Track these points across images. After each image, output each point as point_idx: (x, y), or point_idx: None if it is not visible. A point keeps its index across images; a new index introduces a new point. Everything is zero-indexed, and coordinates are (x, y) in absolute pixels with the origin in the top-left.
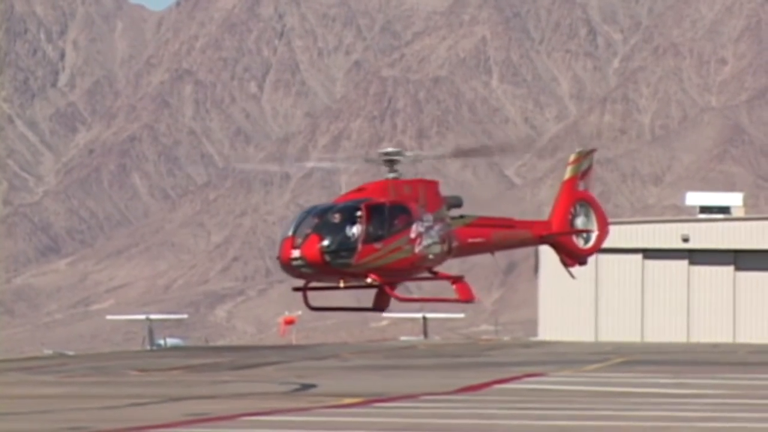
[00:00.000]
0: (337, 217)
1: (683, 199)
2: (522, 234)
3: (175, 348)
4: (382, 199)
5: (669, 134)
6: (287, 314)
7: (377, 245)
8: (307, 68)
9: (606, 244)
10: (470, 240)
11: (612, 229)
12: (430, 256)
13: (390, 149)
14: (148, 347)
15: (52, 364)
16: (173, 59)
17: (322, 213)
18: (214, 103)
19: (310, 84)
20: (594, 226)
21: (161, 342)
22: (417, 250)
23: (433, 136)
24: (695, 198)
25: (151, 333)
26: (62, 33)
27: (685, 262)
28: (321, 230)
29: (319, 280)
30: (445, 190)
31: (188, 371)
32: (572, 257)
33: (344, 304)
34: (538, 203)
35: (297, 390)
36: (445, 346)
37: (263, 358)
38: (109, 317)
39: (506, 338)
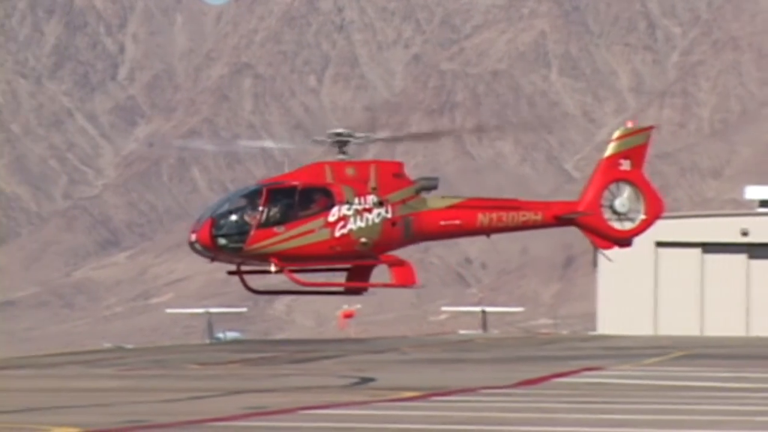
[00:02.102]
0: (236, 202)
1: (742, 192)
2: (528, 216)
3: (234, 341)
4: (294, 182)
5: (728, 128)
6: (346, 308)
7: (277, 229)
8: (367, 62)
9: (665, 238)
10: (443, 223)
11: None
12: (363, 240)
13: (340, 130)
14: (208, 341)
15: (112, 358)
16: (233, 53)
17: (229, 197)
18: (273, 97)
19: (369, 77)
20: (640, 208)
21: (220, 335)
22: (338, 233)
23: (492, 130)
24: (755, 192)
25: (210, 326)
26: (122, 26)
27: (744, 256)
28: (217, 215)
29: (227, 262)
30: (503, 183)
31: (247, 365)
32: (607, 239)
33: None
34: None
35: (356, 384)
36: (503, 339)
37: (322, 352)
38: (168, 311)
39: (565, 332)
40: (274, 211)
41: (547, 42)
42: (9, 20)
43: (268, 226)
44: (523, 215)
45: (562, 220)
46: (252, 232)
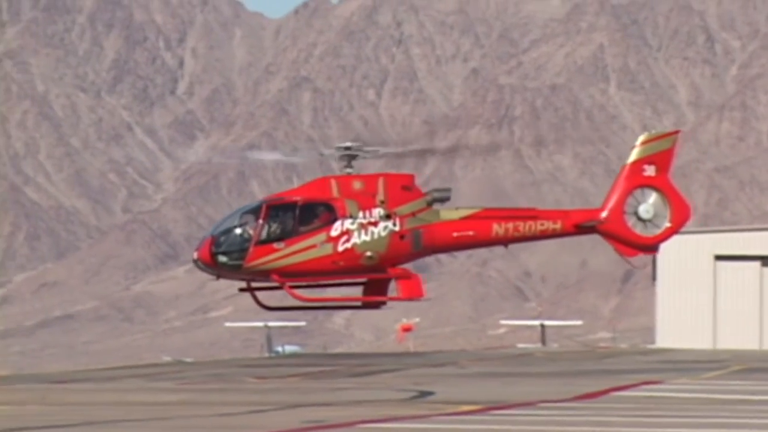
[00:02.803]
0: (237, 219)
1: None
2: (547, 225)
3: (293, 355)
4: (295, 197)
5: None
6: (405, 321)
7: (277, 245)
8: (425, 76)
9: (724, 251)
10: (456, 234)
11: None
12: (368, 254)
13: (347, 143)
14: (267, 354)
15: (171, 371)
16: (291, 67)
17: (230, 215)
18: (332, 111)
19: (427, 91)
20: (666, 214)
21: (279, 349)
22: (342, 248)
23: (550, 144)
24: None
25: (269, 340)
26: (181, 41)
27: None
28: (217, 232)
29: (232, 279)
30: (562, 197)
31: (306, 378)
32: (631, 246)
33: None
34: None
35: (415, 397)
36: (562, 353)
37: (381, 366)
38: (227, 324)
39: (624, 345)
40: (274, 227)
41: (606, 56)
42: (69, 34)
43: (267, 242)
44: (542, 224)
45: (582, 228)
46: (251, 249)
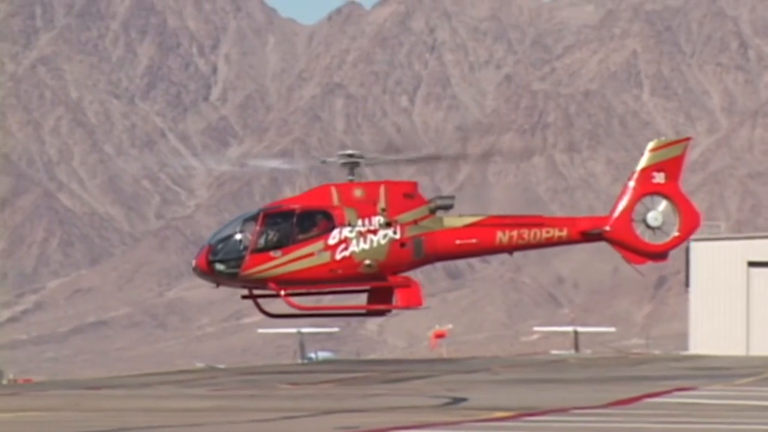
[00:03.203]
0: (234, 228)
1: None
2: (553, 232)
3: (326, 361)
4: (293, 206)
5: None
6: (438, 328)
7: (274, 254)
8: (458, 82)
9: (757, 258)
10: (459, 242)
11: (763, 243)
12: (367, 262)
13: (349, 151)
14: (300, 360)
15: (204, 378)
16: (324, 73)
17: (230, 223)
18: (365, 117)
19: (461, 98)
20: (674, 222)
21: (312, 355)
22: (339, 256)
23: (584, 150)
24: None
25: (302, 346)
26: (214, 47)
27: None
28: (215, 241)
29: (231, 287)
30: (595, 203)
31: (339, 384)
32: (638, 254)
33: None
34: None
35: (448, 403)
36: (595, 359)
37: (414, 372)
38: (260, 331)
39: (657, 352)
40: (271, 235)
41: (639, 62)
42: (102, 41)
43: (263, 250)
44: (547, 232)
45: (588, 236)
46: (247, 257)
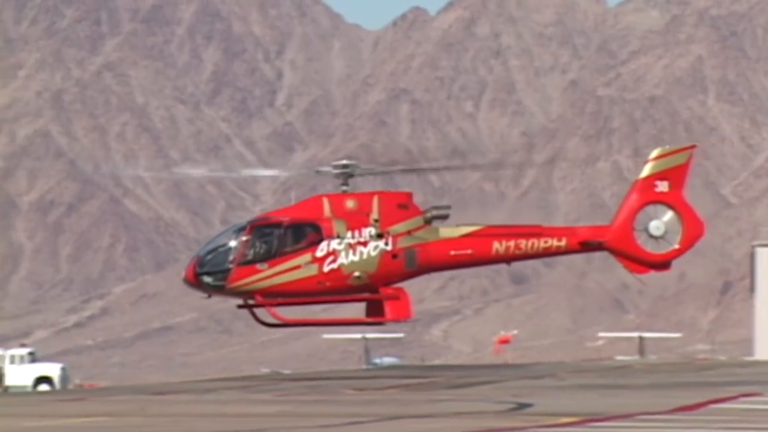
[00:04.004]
0: (222, 240)
1: None
2: (551, 242)
3: (391, 367)
4: (281, 218)
5: None
6: (503, 333)
7: (260, 266)
8: (523, 87)
9: None
10: (453, 252)
11: None
12: (356, 274)
13: (344, 161)
14: (365, 366)
15: (269, 383)
16: (390, 78)
17: (219, 235)
18: (430, 123)
19: (526, 103)
20: (678, 231)
21: (377, 361)
22: (327, 268)
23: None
24: None
25: (367, 352)
26: (280, 53)
27: None
28: (203, 252)
29: (223, 297)
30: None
31: (404, 390)
32: (641, 263)
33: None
34: (755, 223)
35: (513, 409)
36: (660, 365)
37: (479, 377)
38: (325, 336)
39: (722, 357)
40: (257, 248)
41: (704, 67)
42: (168, 46)
43: (250, 263)
44: (545, 242)
45: (588, 245)
46: (233, 270)
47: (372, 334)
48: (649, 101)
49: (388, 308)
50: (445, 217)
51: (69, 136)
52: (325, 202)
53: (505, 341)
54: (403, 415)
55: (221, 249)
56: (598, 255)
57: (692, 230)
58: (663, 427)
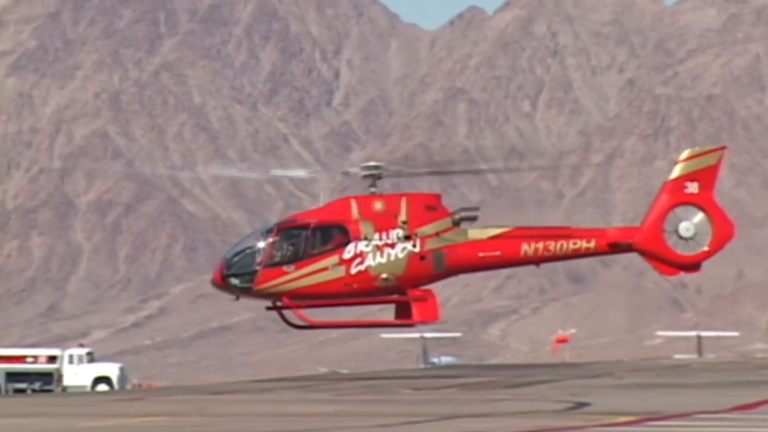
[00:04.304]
0: (250, 242)
1: None
2: (580, 243)
3: (449, 366)
4: (309, 219)
5: None
6: (561, 332)
7: (287, 268)
8: (580, 86)
9: None
10: (482, 254)
11: None
12: (384, 276)
13: (371, 163)
14: (422, 365)
15: (327, 383)
16: (447, 78)
17: (246, 237)
18: (487, 122)
19: (583, 102)
20: (708, 233)
21: (435, 360)
22: (355, 270)
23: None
24: None
25: (425, 351)
26: (337, 53)
27: None
28: (231, 254)
29: (250, 299)
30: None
31: (462, 389)
32: (671, 265)
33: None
34: None
35: (571, 408)
36: (719, 364)
37: (537, 377)
38: (383, 336)
39: None
40: (284, 250)
41: (762, 65)
42: (225, 46)
43: (277, 265)
44: (574, 243)
45: (618, 247)
46: (260, 272)
47: (430, 334)
48: (707, 100)
49: (416, 310)
50: (473, 219)
51: (127, 136)
52: (353, 203)
53: (562, 340)
54: (461, 414)
55: (248, 251)
56: None
57: (722, 232)
58: (721, 426)
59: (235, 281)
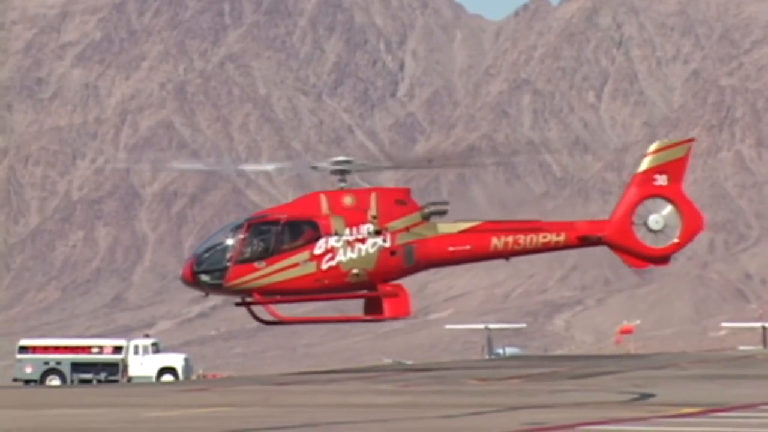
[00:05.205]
0: (219, 238)
1: None
2: (550, 237)
3: (513, 357)
4: (279, 215)
5: None
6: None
7: (258, 264)
8: (645, 77)
9: None
10: (452, 248)
11: None
12: (355, 271)
13: (340, 158)
14: (487, 356)
15: (391, 374)
16: (511, 69)
17: (216, 233)
18: (552, 113)
19: (648, 93)
20: (677, 225)
21: (500, 351)
22: (326, 266)
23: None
24: None
25: (489, 342)
26: (401, 43)
27: None
28: (201, 250)
29: (220, 295)
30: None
31: (526, 380)
32: (640, 258)
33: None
34: None
35: (635, 399)
36: None
37: (601, 368)
38: (447, 326)
39: None
40: (255, 246)
41: None
42: (290, 38)
43: (247, 261)
44: (544, 237)
45: (587, 240)
46: (231, 268)
47: (494, 325)
48: None
49: (387, 306)
50: (443, 213)
51: (192, 127)
52: (323, 198)
53: (627, 331)
54: (526, 405)
55: (219, 247)
56: (721, 244)
57: (691, 224)
58: None
59: (205, 278)
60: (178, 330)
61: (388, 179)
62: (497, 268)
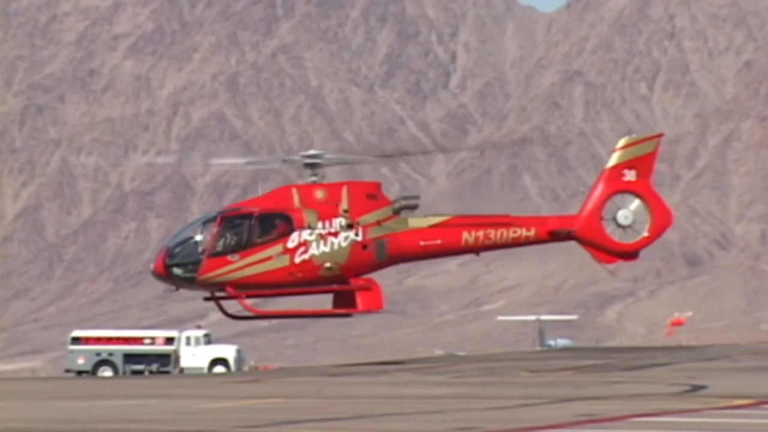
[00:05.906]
0: (192, 231)
1: None
2: (520, 232)
3: (565, 349)
4: (252, 209)
5: None
6: (677, 315)
7: (231, 258)
8: (698, 69)
9: None
10: (423, 243)
11: None
12: (328, 265)
13: (311, 152)
14: (539, 348)
15: (443, 365)
16: (563, 60)
17: (187, 226)
18: (604, 105)
19: (700, 85)
20: (647, 220)
21: (552, 342)
22: (299, 259)
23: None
24: None
25: (541, 334)
26: (453, 35)
27: None
28: (173, 244)
29: (191, 290)
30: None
31: (579, 372)
32: (609, 253)
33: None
34: None
35: (687, 391)
36: None
37: (653, 359)
38: (500, 318)
39: None
40: (228, 239)
41: None
42: (342, 29)
43: (220, 254)
44: (514, 232)
45: (557, 235)
46: (204, 262)
47: (546, 317)
48: None
49: (360, 299)
50: (414, 207)
51: (244, 118)
52: (294, 192)
53: (679, 323)
54: (577, 397)
55: (191, 240)
56: None
57: (660, 219)
58: None
59: (177, 271)
60: (230, 321)
61: (439, 172)
62: (549, 259)
